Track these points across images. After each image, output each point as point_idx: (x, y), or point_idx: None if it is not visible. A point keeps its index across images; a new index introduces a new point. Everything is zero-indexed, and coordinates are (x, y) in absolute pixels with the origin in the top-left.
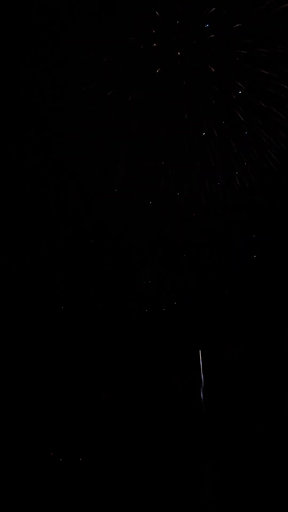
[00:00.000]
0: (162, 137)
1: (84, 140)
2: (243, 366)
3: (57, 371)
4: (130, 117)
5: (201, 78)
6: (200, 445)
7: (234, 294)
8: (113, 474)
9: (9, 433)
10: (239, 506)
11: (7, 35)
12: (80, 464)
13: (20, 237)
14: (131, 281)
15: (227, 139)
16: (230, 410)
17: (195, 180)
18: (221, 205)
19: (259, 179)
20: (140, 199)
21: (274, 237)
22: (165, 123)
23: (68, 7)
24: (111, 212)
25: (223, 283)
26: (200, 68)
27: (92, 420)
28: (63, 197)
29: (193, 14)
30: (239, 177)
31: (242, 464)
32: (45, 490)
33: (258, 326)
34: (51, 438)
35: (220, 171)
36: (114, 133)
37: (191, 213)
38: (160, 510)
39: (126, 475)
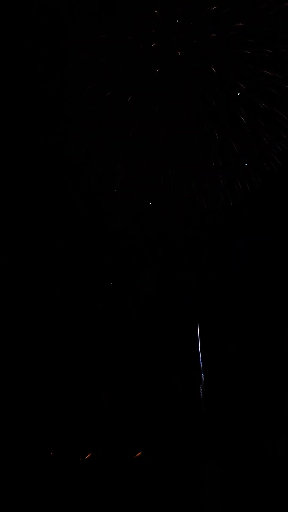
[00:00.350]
0: (162, 137)
1: (84, 140)
2: (243, 365)
3: (57, 371)
4: (130, 117)
5: (201, 78)
6: (200, 445)
7: (234, 294)
8: (113, 474)
9: (10, 433)
10: (239, 506)
11: (7, 35)
12: (80, 464)
13: (20, 237)
14: (131, 281)
15: (228, 140)
16: (230, 410)
17: (196, 181)
18: (221, 205)
19: (259, 181)
20: (140, 199)
21: (274, 237)
22: (166, 124)
23: (68, 7)
24: (111, 212)
25: (223, 283)
26: (201, 68)
27: (92, 420)
28: (63, 197)
29: (194, 13)
30: (240, 178)
31: (241, 463)
32: (45, 490)
33: (258, 326)
34: (51, 438)
35: (221, 172)
36: (115, 133)
37: (192, 213)
38: (160, 510)
39: (126, 475)
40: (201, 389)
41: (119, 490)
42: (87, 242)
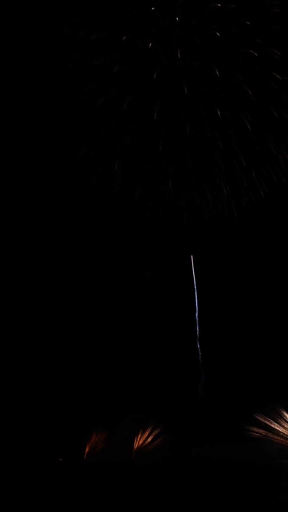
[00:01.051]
0: (162, 142)
1: (84, 141)
2: (242, 365)
3: (57, 371)
4: (129, 122)
5: (203, 80)
6: (200, 445)
7: (234, 294)
8: (113, 474)
9: (9, 432)
10: (239, 506)
11: (7, 35)
12: (81, 463)
13: (20, 237)
14: (131, 281)
15: (232, 147)
16: (229, 409)
17: (197, 184)
18: (223, 206)
19: (266, 190)
20: (141, 199)
21: (274, 237)
22: (165, 129)
23: (68, 7)
24: (111, 213)
25: (223, 283)
26: (203, 69)
27: (93, 419)
28: (63, 198)
29: (196, 10)
30: (245, 188)
31: (241, 463)
32: (45, 489)
33: (258, 325)
34: (51, 438)
35: (223, 175)
36: (115, 134)
37: (192, 214)
38: (160, 510)
39: (126, 476)
40: (201, 387)
41: (119, 490)
42: (87, 243)
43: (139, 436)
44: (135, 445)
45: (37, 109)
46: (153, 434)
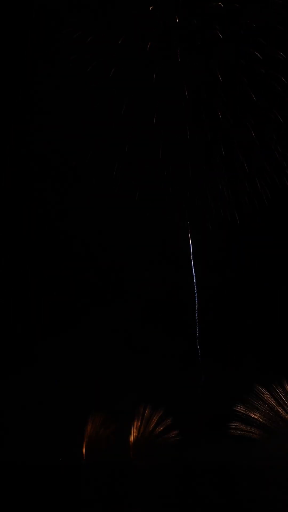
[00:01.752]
0: (162, 147)
1: (84, 141)
2: (242, 364)
3: (56, 370)
4: (130, 119)
5: (204, 82)
6: (199, 444)
7: (234, 294)
8: (113, 475)
9: (9, 433)
10: (239, 506)
11: (7, 35)
12: (81, 463)
13: (20, 237)
14: (131, 281)
15: (235, 152)
16: (228, 408)
17: (198, 185)
18: (224, 209)
19: (269, 196)
20: (141, 199)
21: (274, 237)
22: (167, 125)
23: (68, 7)
24: (111, 213)
25: (223, 283)
26: (204, 71)
27: (93, 419)
28: (63, 198)
29: (197, 10)
30: (248, 193)
31: (241, 463)
32: (46, 490)
33: (258, 325)
34: (51, 438)
35: (225, 178)
36: (115, 134)
37: (192, 215)
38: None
39: (126, 477)
40: (201, 385)
41: (119, 491)
42: (87, 243)
43: (138, 437)
44: (134, 445)
45: (36, 109)
46: (153, 434)
